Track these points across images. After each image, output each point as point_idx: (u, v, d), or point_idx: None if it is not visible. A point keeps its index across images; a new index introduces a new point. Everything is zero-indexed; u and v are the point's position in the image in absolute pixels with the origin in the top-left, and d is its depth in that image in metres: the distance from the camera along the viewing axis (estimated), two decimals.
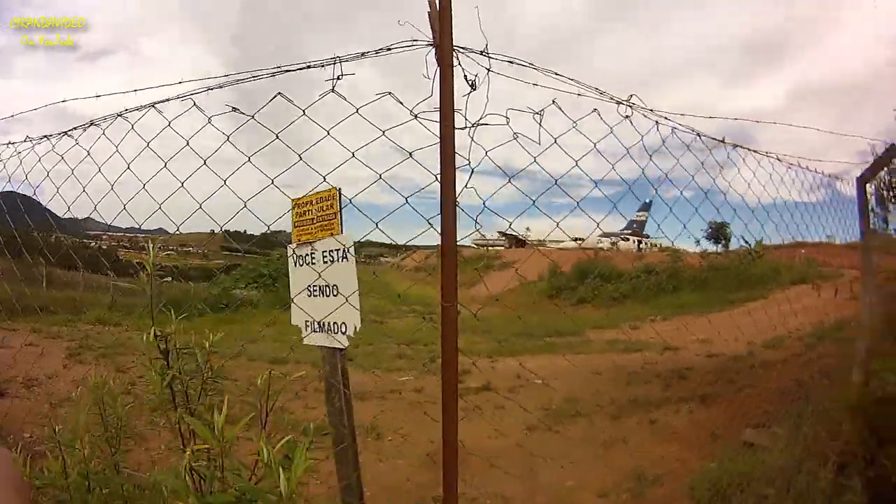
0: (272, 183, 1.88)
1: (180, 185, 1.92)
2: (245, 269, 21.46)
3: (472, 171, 1.54)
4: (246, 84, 1.67)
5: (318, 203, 1.98)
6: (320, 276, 1.97)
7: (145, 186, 1.99)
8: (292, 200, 2.08)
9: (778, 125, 3.33)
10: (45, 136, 2.36)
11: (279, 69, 1.49)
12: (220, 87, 1.79)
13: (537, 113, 1.56)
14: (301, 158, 1.84)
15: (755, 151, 3.15)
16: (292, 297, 2.12)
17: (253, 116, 1.68)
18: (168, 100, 1.79)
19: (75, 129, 2.20)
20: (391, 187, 1.85)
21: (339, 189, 1.92)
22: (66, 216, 2.42)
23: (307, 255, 2.05)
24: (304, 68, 1.45)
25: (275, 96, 1.62)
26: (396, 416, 5.62)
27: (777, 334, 7.02)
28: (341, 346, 1.97)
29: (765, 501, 2.76)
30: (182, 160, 1.95)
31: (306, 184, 2.02)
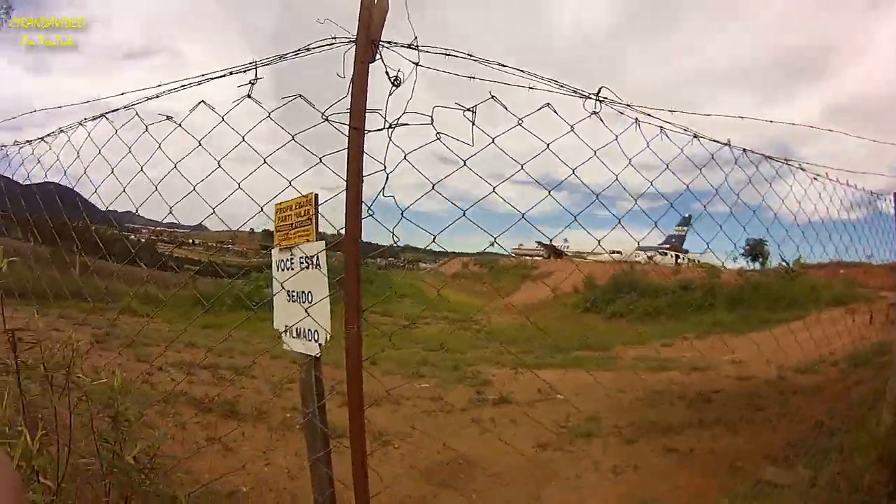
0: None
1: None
2: None
3: (388, 177, 1.46)
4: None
5: (296, 208, 1.97)
6: (297, 281, 1.96)
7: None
8: (275, 205, 2.09)
9: (816, 136, 3.13)
10: (79, 123, 2.41)
11: (204, 77, 1.47)
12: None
13: (468, 109, 1.45)
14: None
15: (801, 168, 2.97)
16: (274, 301, 2.13)
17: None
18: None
19: (107, 113, 2.20)
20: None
21: (316, 195, 1.90)
22: (109, 208, 2.52)
23: (287, 259, 2.05)
24: (224, 76, 1.43)
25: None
26: (408, 423, 5.56)
27: (811, 358, 6.54)
28: (314, 354, 1.94)
29: None
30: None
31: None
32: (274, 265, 2.14)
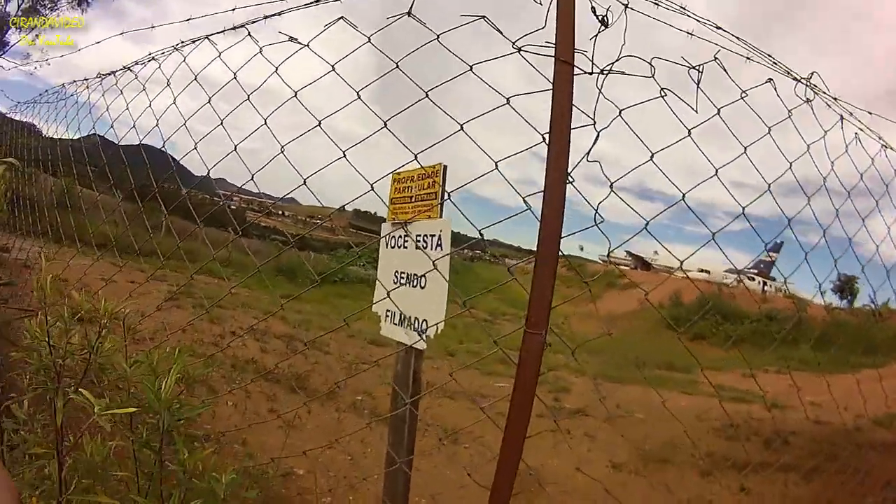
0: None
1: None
2: (369, 248, 21.91)
3: (598, 136, 1.14)
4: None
5: (419, 180, 1.74)
6: (409, 262, 1.73)
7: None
8: (392, 175, 1.88)
9: None
10: (174, 47, 2.23)
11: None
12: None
13: (693, 67, 1.12)
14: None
15: None
16: (378, 280, 1.91)
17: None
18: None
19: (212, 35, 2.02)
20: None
21: (445, 166, 1.66)
22: (201, 174, 2.44)
23: (400, 236, 1.82)
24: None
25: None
26: (481, 423, 5.35)
27: (892, 411, 5.75)
28: (418, 347, 1.71)
29: None
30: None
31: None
32: (383, 241, 1.93)
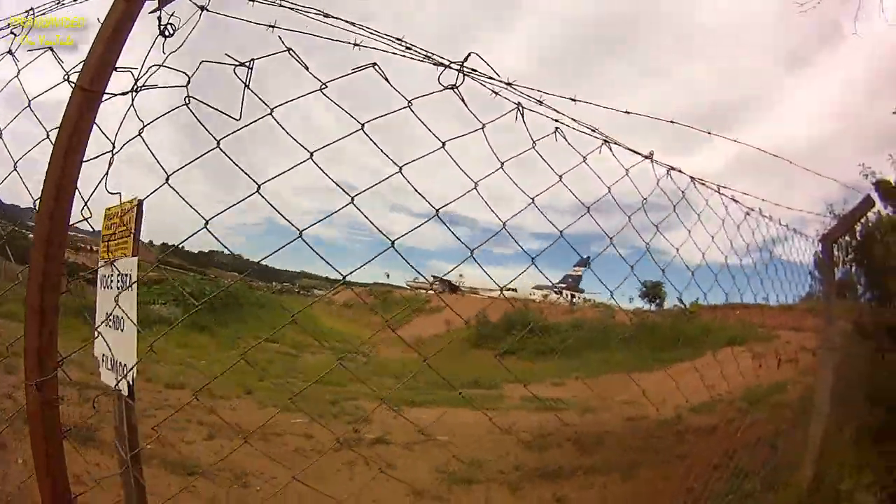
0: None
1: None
2: (170, 284, 18.62)
3: (113, 155, 1.20)
4: None
5: (120, 216, 1.65)
6: (112, 303, 1.63)
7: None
8: (105, 210, 1.76)
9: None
10: None
11: None
12: None
13: (241, 64, 1.20)
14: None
15: (720, 192, 2.82)
16: (95, 325, 1.77)
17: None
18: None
19: None
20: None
21: (141, 201, 1.59)
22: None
23: (108, 276, 1.71)
24: None
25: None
26: (275, 462, 4.82)
27: (707, 398, 6.58)
28: (122, 392, 1.60)
29: None
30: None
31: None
32: (98, 282, 1.79)
